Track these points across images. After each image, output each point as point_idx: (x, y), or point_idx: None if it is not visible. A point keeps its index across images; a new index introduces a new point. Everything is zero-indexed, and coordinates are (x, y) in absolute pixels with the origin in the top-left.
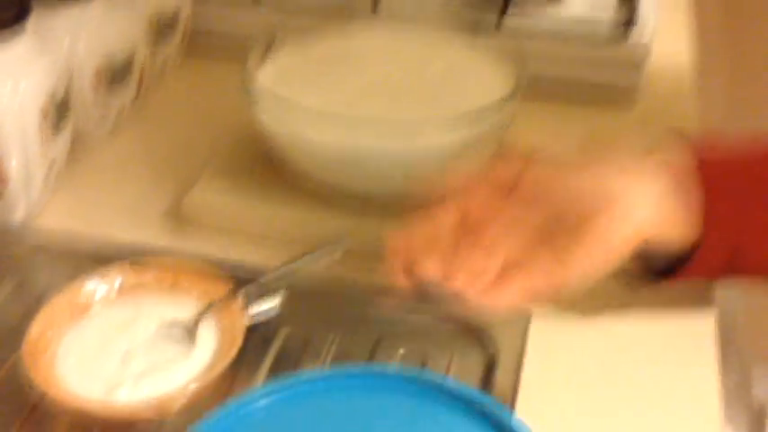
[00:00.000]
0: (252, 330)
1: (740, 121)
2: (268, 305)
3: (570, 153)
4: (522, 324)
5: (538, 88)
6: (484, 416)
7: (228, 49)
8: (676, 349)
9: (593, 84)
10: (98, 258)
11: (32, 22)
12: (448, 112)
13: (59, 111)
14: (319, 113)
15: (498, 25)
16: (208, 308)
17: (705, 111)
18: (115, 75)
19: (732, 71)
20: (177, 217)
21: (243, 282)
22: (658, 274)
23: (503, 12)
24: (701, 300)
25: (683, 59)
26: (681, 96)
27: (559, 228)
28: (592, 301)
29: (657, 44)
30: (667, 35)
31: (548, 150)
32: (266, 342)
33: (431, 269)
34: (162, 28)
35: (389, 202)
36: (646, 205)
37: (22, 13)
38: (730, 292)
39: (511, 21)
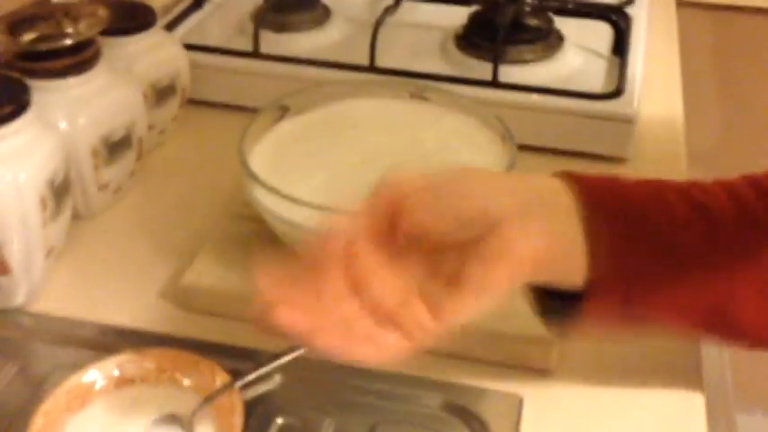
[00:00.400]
0: (248, 417)
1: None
2: (265, 389)
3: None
4: (514, 407)
5: (528, 147)
6: None
7: (227, 111)
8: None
9: (583, 141)
10: (97, 344)
11: (31, 112)
12: None
13: (59, 195)
14: (311, 204)
15: (494, 77)
16: (205, 401)
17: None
18: (115, 149)
19: (723, 126)
20: (174, 298)
21: (240, 369)
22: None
23: (496, 62)
24: (690, 372)
25: (674, 119)
26: (672, 156)
27: (437, 272)
28: (582, 380)
29: (648, 105)
30: (658, 95)
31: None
32: (263, 430)
33: (294, 318)
34: (160, 95)
35: None
36: (530, 235)
37: (20, 108)
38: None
39: (505, 72)
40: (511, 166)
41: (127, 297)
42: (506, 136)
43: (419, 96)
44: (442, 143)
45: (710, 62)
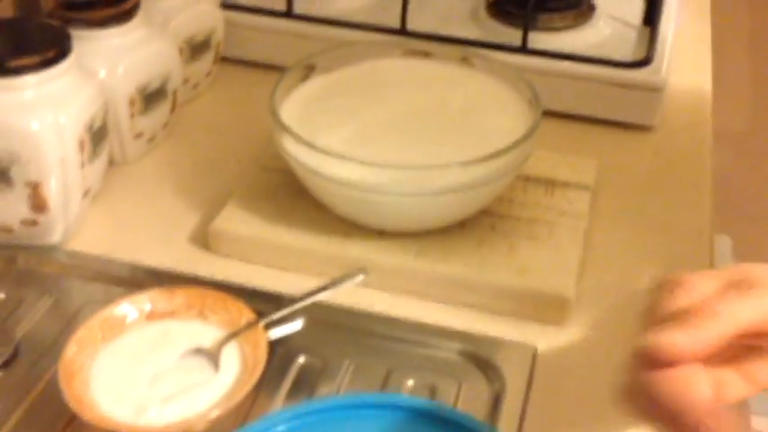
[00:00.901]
0: (272, 355)
1: (762, 145)
2: (289, 329)
3: None
4: (528, 357)
5: (555, 111)
6: None
7: (260, 70)
8: None
9: (610, 108)
10: (128, 281)
11: (73, 56)
12: (467, 148)
13: (96, 139)
14: (340, 154)
15: (523, 44)
16: (231, 336)
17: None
18: (150, 97)
19: (754, 109)
20: (204, 243)
21: (265, 311)
22: None
23: (526, 29)
24: None
25: (703, 90)
26: (700, 125)
27: None
28: (596, 334)
29: (678, 74)
30: (690, 66)
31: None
32: (286, 366)
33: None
34: (195, 51)
35: (408, 237)
36: None
37: (62, 52)
38: None
39: (535, 39)
40: (534, 129)
41: (158, 240)
42: (533, 98)
43: (449, 57)
44: (468, 104)
45: (745, 45)
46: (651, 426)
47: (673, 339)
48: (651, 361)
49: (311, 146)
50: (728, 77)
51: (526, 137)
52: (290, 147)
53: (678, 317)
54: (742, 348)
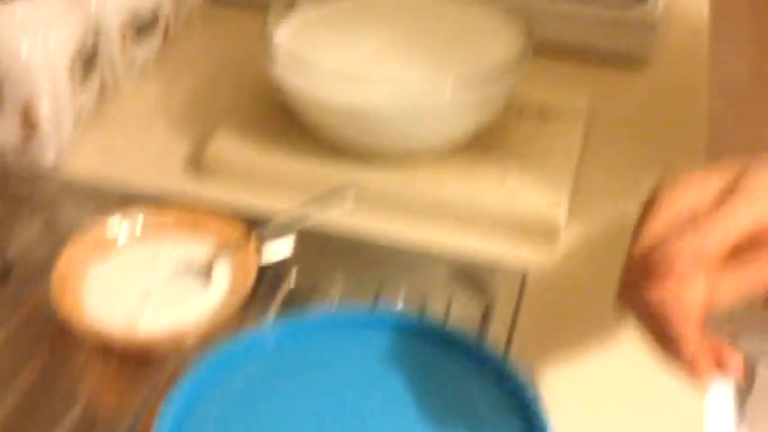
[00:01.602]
0: (264, 271)
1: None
2: (280, 247)
3: None
4: (518, 277)
5: (549, 46)
6: (480, 359)
7: (251, 10)
8: None
9: (605, 44)
10: (122, 200)
11: None
12: (460, 72)
13: (87, 61)
14: (334, 72)
15: None
16: (223, 248)
17: (723, 78)
18: (141, 27)
19: (753, 65)
20: (197, 165)
21: (257, 225)
22: None
23: None
24: None
25: (700, 24)
26: (695, 62)
27: None
28: (587, 251)
29: (675, 8)
30: (685, 2)
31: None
32: (277, 282)
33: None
34: None
35: (400, 155)
36: None
37: None
38: None
39: None
40: (528, 48)
41: (151, 165)
42: (525, 24)
43: None
44: (461, 31)
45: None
46: (642, 330)
47: (672, 246)
48: (648, 267)
49: (303, 62)
50: (728, 34)
51: (521, 55)
52: (282, 69)
53: (677, 221)
54: (738, 249)
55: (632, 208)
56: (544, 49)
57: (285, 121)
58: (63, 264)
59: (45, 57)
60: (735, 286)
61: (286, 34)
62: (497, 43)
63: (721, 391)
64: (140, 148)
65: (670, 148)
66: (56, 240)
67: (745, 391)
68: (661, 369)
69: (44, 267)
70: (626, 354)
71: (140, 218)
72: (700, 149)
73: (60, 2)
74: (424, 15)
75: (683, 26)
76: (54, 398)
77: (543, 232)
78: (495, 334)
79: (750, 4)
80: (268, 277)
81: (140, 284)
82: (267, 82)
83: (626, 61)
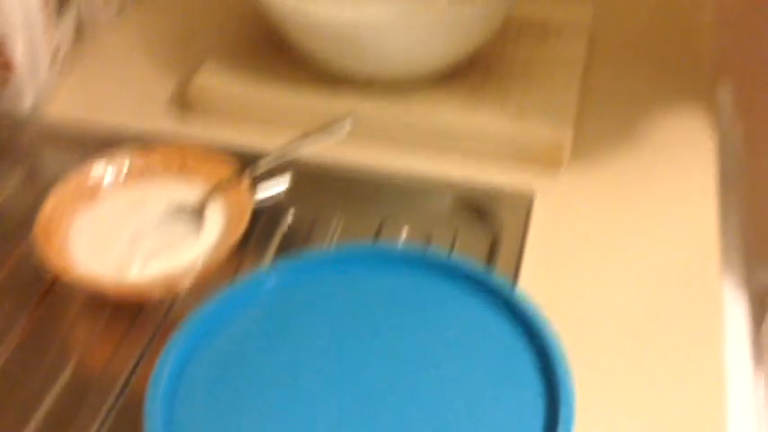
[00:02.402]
0: (259, 213)
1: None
2: (275, 187)
3: None
4: (524, 202)
5: None
6: (488, 290)
7: None
8: (678, 230)
9: None
10: (106, 145)
11: None
12: None
13: None
14: None
15: None
16: (215, 188)
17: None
18: None
19: None
20: (183, 103)
21: (249, 162)
22: None
23: None
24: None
25: None
26: None
27: None
28: (593, 176)
29: None
30: None
31: None
32: (273, 224)
33: None
34: None
35: (396, 82)
36: None
37: None
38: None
39: None
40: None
41: (135, 104)
42: None
43: None
44: None
45: None
46: None
47: None
48: None
49: None
50: None
51: None
52: None
53: None
54: None
55: (639, 129)
56: None
57: (274, 53)
58: (46, 213)
59: None
60: None
61: None
62: None
63: (738, 328)
64: (123, 88)
65: (675, 63)
66: (38, 190)
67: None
68: (673, 293)
69: (28, 219)
70: (638, 280)
71: (126, 161)
72: (708, 56)
73: None
74: None
75: None
76: (46, 353)
77: (548, 156)
78: (503, 263)
79: None
80: (264, 217)
81: (129, 230)
82: (253, 10)
83: None
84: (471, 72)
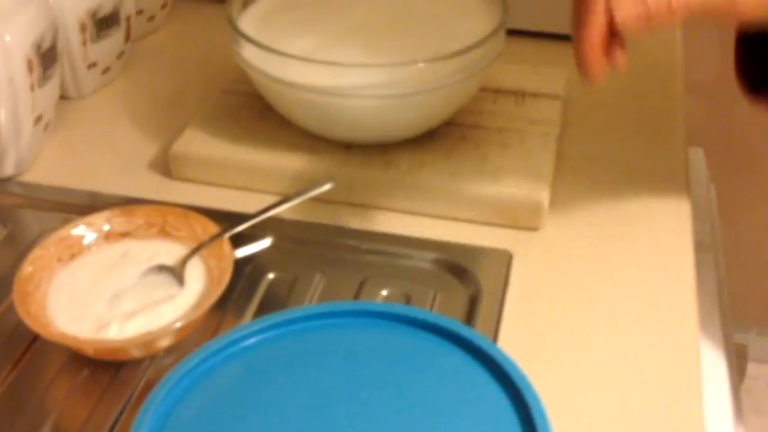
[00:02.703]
0: (240, 272)
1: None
2: (256, 246)
3: None
4: (503, 262)
5: (522, 26)
6: (469, 347)
7: (217, 5)
8: (655, 291)
9: None
10: (87, 210)
11: None
12: (432, 53)
13: (46, 60)
14: (303, 56)
15: None
16: (195, 250)
17: (696, 63)
18: (102, 25)
19: (723, 58)
20: (164, 169)
21: (230, 223)
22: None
23: None
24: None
25: None
26: (669, 40)
27: None
28: (571, 236)
29: None
30: None
31: None
32: (254, 282)
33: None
34: None
35: (376, 149)
36: None
37: None
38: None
39: None
40: (502, 25)
41: (116, 169)
42: (499, 6)
43: None
44: (433, 8)
45: None
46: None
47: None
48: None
49: (273, 51)
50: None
51: (494, 32)
52: (251, 56)
53: None
54: None
55: (614, 190)
56: (518, 32)
57: (256, 115)
58: (26, 272)
59: (1, 51)
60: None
61: (252, 20)
62: (471, 19)
63: (719, 387)
64: (105, 152)
65: (648, 128)
66: (19, 250)
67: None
68: (654, 354)
69: (7, 278)
70: (617, 337)
71: (106, 222)
72: (678, 127)
73: None
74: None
75: None
76: (25, 411)
77: (526, 216)
78: (483, 322)
79: None
80: (244, 276)
81: (109, 289)
82: (237, 77)
83: None
84: (450, 132)
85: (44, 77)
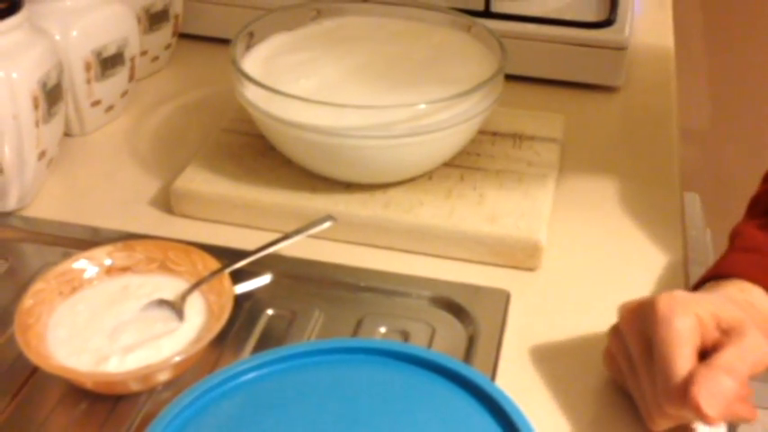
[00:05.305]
0: (240, 308)
1: (724, 121)
2: (255, 283)
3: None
4: (501, 301)
5: (521, 71)
6: (466, 386)
7: (220, 46)
8: None
9: (575, 67)
10: (88, 245)
11: (25, 11)
12: (432, 96)
13: (51, 98)
14: (304, 98)
15: (486, 7)
16: (196, 285)
17: (689, 110)
18: (107, 65)
19: (712, 71)
20: (166, 206)
21: (230, 259)
22: None
23: None
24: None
25: (667, 53)
26: (664, 87)
27: None
28: (568, 277)
29: (641, 37)
30: (652, 29)
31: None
32: (253, 319)
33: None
34: (153, 20)
35: (375, 189)
36: None
37: (13, 7)
38: None
39: (497, 6)
40: (501, 70)
41: (118, 205)
42: (496, 47)
43: (411, 17)
44: (433, 54)
45: (702, 44)
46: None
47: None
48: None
49: (275, 91)
50: (688, 75)
51: (493, 77)
52: (253, 96)
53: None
54: None
55: (611, 230)
56: (516, 77)
57: (257, 154)
58: (26, 305)
59: (7, 91)
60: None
61: (255, 62)
62: (471, 63)
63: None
64: (107, 188)
65: (643, 172)
66: (20, 284)
67: None
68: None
69: (8, 312)
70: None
71: (107, 256)
72: (675, 165)
73: (22, 33)
74: (396, 38)
75: (650, 57)
76: None
77: (524, 256)
78: (481, 360)
79: (706, 51)
80: (244, 312)
81: (107, 325)
82: (239, 116)
83: (598, 86)
84: (448, 173)
85: (49, 114)
